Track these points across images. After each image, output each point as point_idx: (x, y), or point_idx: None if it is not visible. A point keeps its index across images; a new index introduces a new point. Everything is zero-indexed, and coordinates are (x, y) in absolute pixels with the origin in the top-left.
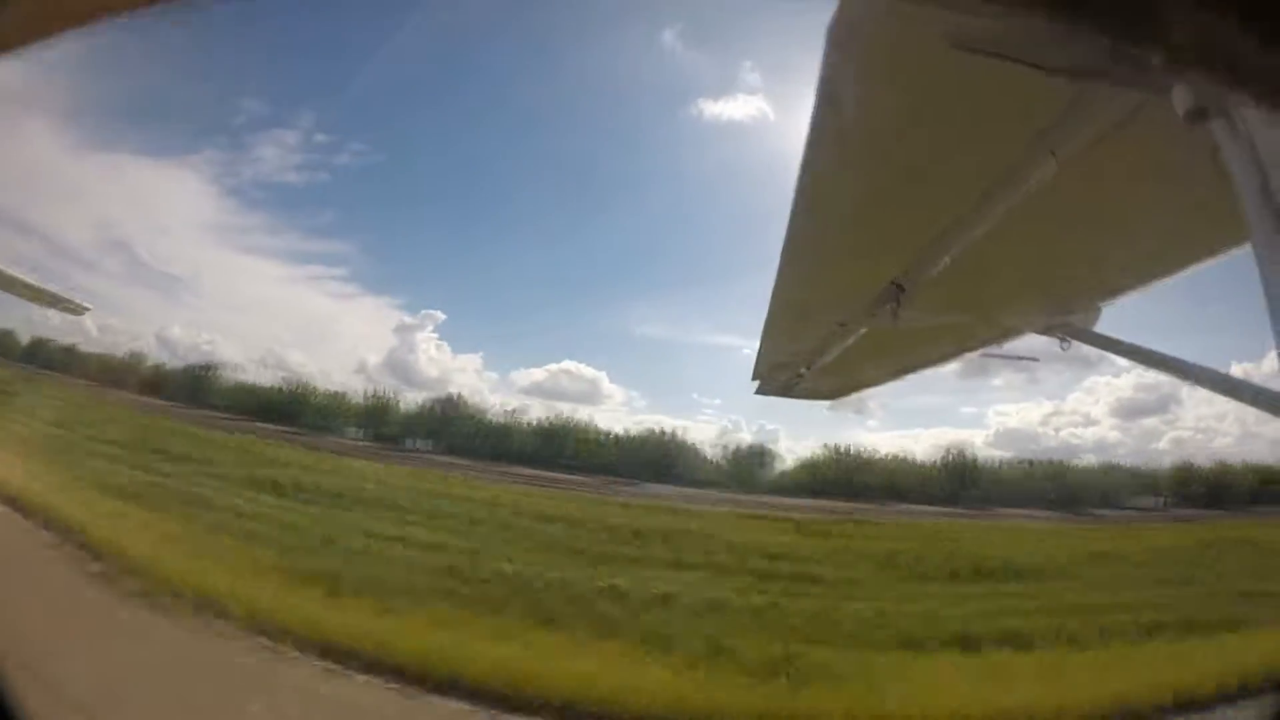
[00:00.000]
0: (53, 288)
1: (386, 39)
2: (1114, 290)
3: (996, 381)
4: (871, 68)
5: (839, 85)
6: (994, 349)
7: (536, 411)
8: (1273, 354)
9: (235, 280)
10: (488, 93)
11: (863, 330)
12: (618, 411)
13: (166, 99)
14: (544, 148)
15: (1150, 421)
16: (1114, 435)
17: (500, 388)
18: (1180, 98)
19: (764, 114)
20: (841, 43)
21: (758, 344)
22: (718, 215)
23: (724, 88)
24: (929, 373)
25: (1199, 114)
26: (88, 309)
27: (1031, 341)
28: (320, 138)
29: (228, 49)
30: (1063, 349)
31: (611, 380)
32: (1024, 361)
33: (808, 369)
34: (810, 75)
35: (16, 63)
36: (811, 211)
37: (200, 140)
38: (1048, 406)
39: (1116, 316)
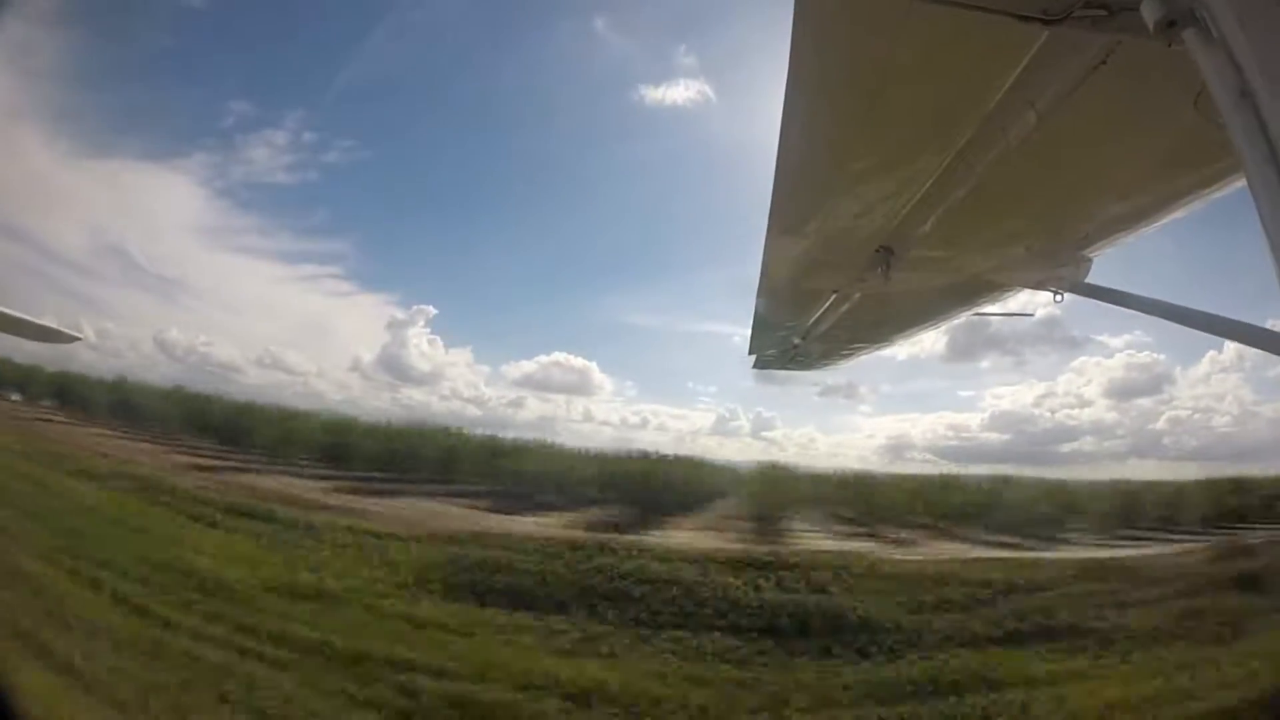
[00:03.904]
0: (42, 320)
1: (365, 36)
2: (1102, 240)
3: (984, 364)
4: (841, 29)
5: (809, 51)
6: (987, 307)
7: (532, 404)
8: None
9: (230, 281)
10: (474, 89)
11: (856, 296)
12: (613, 401)
13: (154, 104)
14: (527, 143)
15: (1145, 402)
16: (1111, 416)
17: (493, 380)
18: (1150, 9)
19: (737, 97)
20: (809, 8)
21: (746, 330)
22: (696, 203)
23: (695, 73)
24: (921, 357)
25: (1169, 24)
26: (79, 338)
27: (1024, 297)
28: (308, 136)
29: (212, 51)
30: (1056, 302)
31: (602, 370)
32: (1017, 318)
33: (803, 339)
34: (779, 54)
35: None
36: (794, 181)
37: (189, 144)
38: (1040, 388)
39: (1107, 267)
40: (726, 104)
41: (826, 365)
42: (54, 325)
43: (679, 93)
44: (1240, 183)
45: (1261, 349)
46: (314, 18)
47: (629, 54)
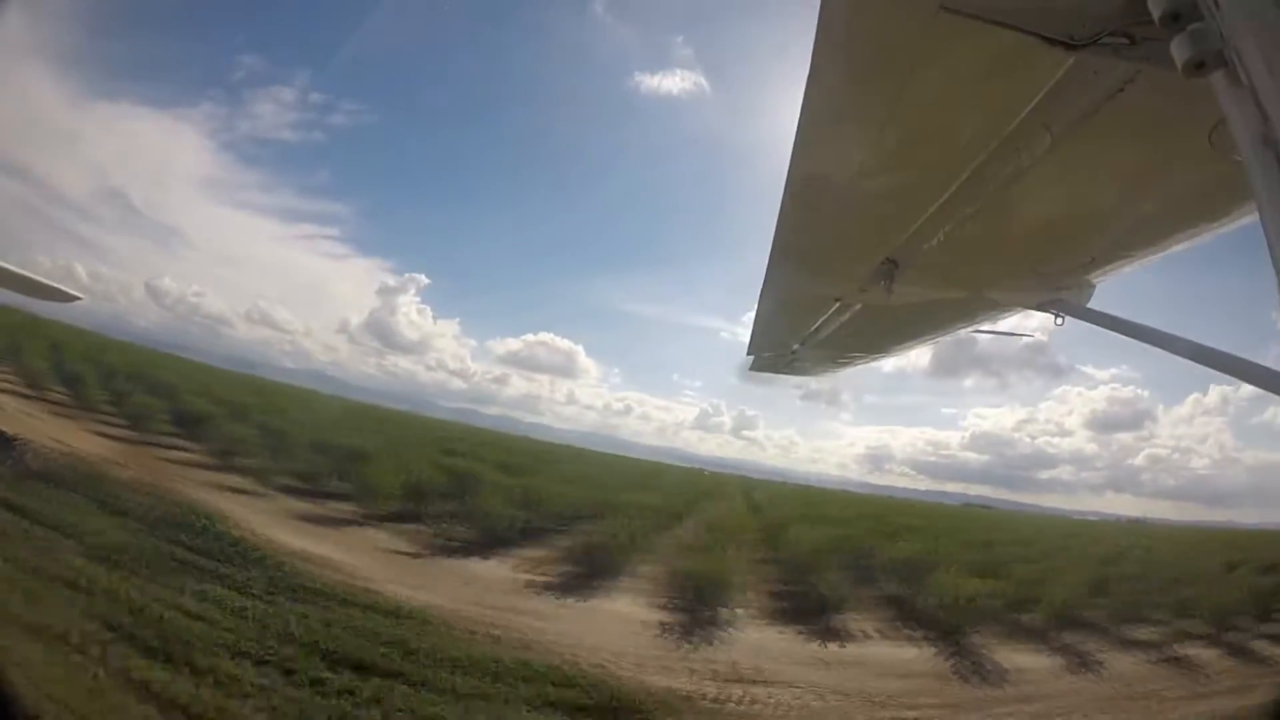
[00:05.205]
0: (40, 277)
1: (374, 10)
2: (1107, 265)
3: (967, 383)
4: (864, 39)
5: (832, 60)
6: (987, 325)
7: (516, 381)
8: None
9: (227, 235)
10: (482, 67)
11: (857, 306)
12: (598, 387)
13: (166, 52)
14: (534, 124)
15: (1125, 437)
16: (1091, 448)
17: (480, 355)
18: (1179, 48)
19: (755, 95)
20: (832, 16)
21: (736, 327)
22: (697, 197)
23: (710, 70)
24: (906, 370)
25: (1198, 65)
26: (79, 298)
27: (1025, 318)
28: (316, 96)
29: (224, 3)
30: (1056, 325)
31: (588, 354)
32: (1015, 338)
33: (801, 345)
34: (797, 55)
35: (19, 13)
36: (806, 187)
37: (197, 94)
38: (1021, 413)
39: (1110, 293)
40: (734, 99)
41: (822, 373)
42: (54, 284)
43: (676, 83)
44: (1249, 218)
45: (1267, 390)
46: None
47: (631, 42)
